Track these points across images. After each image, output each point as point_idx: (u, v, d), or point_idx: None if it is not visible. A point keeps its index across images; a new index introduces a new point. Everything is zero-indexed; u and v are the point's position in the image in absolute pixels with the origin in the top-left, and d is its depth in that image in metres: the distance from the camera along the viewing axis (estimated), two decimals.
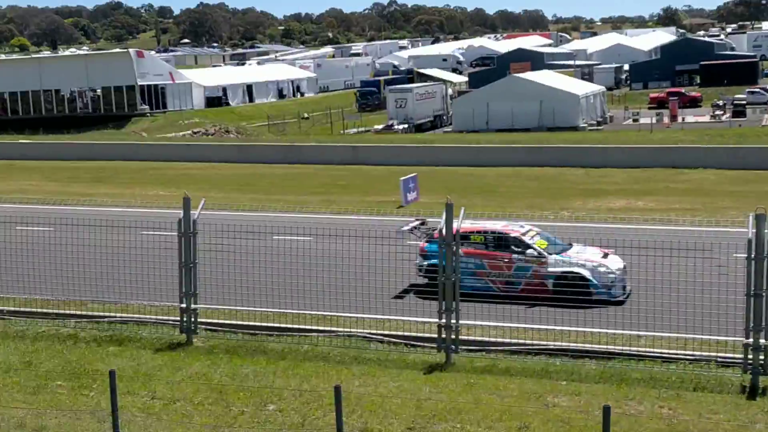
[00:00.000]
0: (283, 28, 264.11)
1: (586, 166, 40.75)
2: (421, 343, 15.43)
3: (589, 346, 14.77)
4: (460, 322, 15.10)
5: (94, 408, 12.61)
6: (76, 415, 12.51)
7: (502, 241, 19.67)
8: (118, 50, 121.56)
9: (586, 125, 65.15)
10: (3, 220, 19.46)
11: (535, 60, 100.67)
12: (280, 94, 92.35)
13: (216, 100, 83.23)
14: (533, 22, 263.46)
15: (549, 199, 32.22)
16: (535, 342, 15.09)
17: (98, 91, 76.61)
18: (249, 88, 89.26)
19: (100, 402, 12.56)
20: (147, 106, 75.44)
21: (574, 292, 17.12)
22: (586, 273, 18.79)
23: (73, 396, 13.43)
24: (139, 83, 75.81)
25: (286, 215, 22.60)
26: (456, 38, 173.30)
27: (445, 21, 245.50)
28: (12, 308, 17.89)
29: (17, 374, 14.48)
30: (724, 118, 70.00)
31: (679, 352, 14.22)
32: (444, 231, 15.04)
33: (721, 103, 73.91)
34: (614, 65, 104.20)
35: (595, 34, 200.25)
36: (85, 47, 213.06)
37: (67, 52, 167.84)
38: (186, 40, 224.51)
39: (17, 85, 78.37)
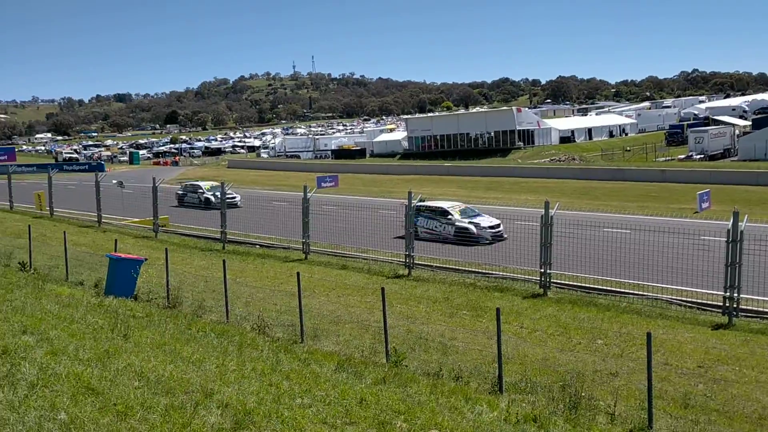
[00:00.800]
0: (614, 90, 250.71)
1: None
2: (709, 309, 13.94)
3: None
4: (741, 295, 13.45)
5: (485, 329, 12.88)
6: (473, 333, 12.86)
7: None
8: (505, 108, 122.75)
9: None
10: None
11: None
12: (610, 134, 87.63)
13: (567, 138, 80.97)
14: None
15: None
16: None
17: (492, 133, 77.90)
18: (589, 130, 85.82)
19: (489, 326, 12.79)
20: (522, 143, 75.29)
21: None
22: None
23: (473, 321, 13.81)
24: (518, 128, 75.91)
25: (612, 215, 21.44)
26: (743, 94, 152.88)
27: (735, 82, 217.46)
28: (436, 264, 18.75)
29: (440, 304, 15.18)
30: None
31: None
32: (731, 232, 13.49)
33: None
34: None
35: None
36: (485, 107, 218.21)
37: (474, 110, 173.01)
38: (548, 100, 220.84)
39: (445, 130, 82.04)
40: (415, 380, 9.05)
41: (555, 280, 16.27)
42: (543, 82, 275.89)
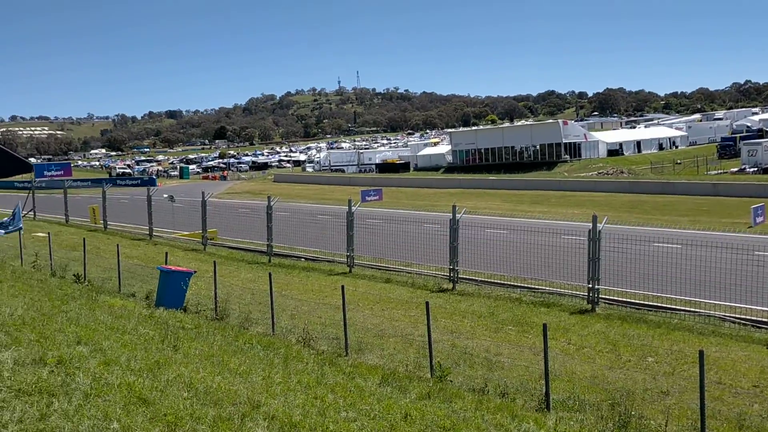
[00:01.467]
0: (664, 102, 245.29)
1: None
2: (765, 326, 13.44)
3: None
4: None
5: (531, 345, 12.69)
6: (519, 349, 12.68)
7: None
8: (551, 121, 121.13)
9: None
10: (479, 225, 20.37)
11: None
12: (660, 147, 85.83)
13: (615, 151, 79.65)
14: None
15: None
16: None
17: (537, 146, 77.20)
18: (638, 143, 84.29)
19: (535, 342, 12.60)
20: (568, 156, 74.48)
21: None
22: None
23: (518, 336, 13.61)
24: (564, 141, 75.14)
25: (663, 229, 20.97)
26: None
27: None
28: (480, 279, 18.61)
29: (485, 319, 15.00)
30: None
31: None
32: None
33: None
34: None
35: None
36: (530, 120, 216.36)
37: (519, 123, 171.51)
38: (595, 113, 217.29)
39: (489, 143, 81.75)
40: (460, 396, 8.96)
41: (603, 296, 15.93)
42: (590, 94, 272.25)
